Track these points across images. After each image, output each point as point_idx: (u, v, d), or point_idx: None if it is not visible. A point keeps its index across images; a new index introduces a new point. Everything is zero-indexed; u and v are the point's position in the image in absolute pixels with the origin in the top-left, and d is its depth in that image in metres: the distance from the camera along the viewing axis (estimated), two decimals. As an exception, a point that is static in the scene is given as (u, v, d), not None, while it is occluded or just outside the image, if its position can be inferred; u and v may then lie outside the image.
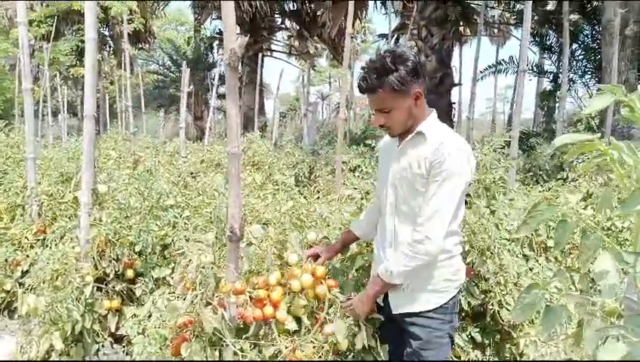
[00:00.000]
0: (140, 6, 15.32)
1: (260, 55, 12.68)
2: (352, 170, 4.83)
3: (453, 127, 10.29)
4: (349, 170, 4.87)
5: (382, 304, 1.90)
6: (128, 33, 8.52)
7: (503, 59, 12.45)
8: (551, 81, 11.74)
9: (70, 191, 3.58)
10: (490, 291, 2.52)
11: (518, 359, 2.54)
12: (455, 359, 2.43)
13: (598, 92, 0.82)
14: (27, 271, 3.09)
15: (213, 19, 16.49)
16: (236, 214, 1.77)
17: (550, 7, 11.56)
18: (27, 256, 3.25)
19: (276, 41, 18.34)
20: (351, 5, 4.05)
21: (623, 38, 7.35)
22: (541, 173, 5.37)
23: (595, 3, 10.43)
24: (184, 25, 28.66)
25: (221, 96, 16.36)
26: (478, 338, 2.52)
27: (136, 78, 11.23)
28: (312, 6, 12.35)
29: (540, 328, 2.48)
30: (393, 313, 1.86)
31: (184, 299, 1.80)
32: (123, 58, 8.44)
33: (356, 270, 2.33)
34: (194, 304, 1.76)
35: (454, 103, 10.03)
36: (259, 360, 1.83)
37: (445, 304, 1.81)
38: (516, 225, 2.85)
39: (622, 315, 0.90)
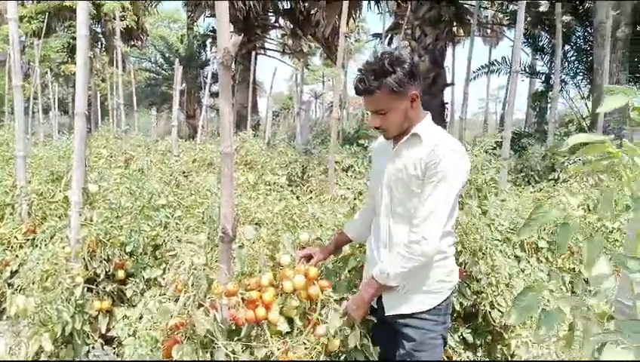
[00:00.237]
0: (132, 3, 15.21)
1: (254, 53, 12.66)
2: (345, 169, 4.83)
3: (445, 127, 10.36)
4: (342, 169, 4.88)
5: (375, 306, 1.90)
6: (121, 30, 8.46)
7: (495, 60, 12.54)
8: (543, 82, 11.84)
9: (61, 191, 3.54)
10: (482, 292, 2.53)
11: (510, 360, 2.56)
12: (447, 360, 2.44)
13: (610, 92, 0.82)
14: (16, 272, 3.05)
15: (207, 16, 16.42)
16: (228, 215, 1.76)
17: (543, 8, 11.64)
18: (16, 256, 3.20)
19: (270, 39, 18.31)
20: (345, 5, 4.04)
21: (615, 40, 7.42)
22: (533, 173, 5.40)
23: (587, 5, 10.51)
24: (177, 22, 28.51)
25: (214, 95, 16.29)
26: (470, 339, 2.53)
27: (128, 76, 11.15)
28: (306, 5, 12.33)
29: (531, 329, 2.50)
30: (387, 314, 1.86)
31: (176, 301, 1.78)
32: (115, 55, 8.38)
33: (349, 271, 2.33)
34: (186, 306, 1.74)
35: (447, 103, 10.07)
36: (251, 361, 1.82)
37: (439, 305, 1.82)
38: (507, 225, 2.88)
39: (612, 317, 0.90)
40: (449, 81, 10.10)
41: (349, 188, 3.14)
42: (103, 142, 6.63)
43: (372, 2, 12.00)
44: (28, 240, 3.31)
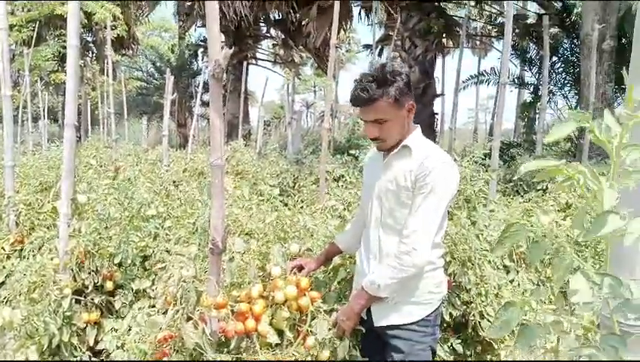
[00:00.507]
0: (123, 12, 15.21)
1: (245, 63, 12.70)
2: (336, 179, 4.85)
3: (435, 137, 10.43)
4: (333, 179, 4.89)
5: (365, 316, 1.91)
6: (112, 39, 8.45)
7: (484, 71, 12.71)
8: (531, 93, 12.00)
9: (49, 201, 3.51)
10: (472, 302, 2.54)
11: (499, 369, 2.57)
12: (437, 371, 2.44)
13: (563, 121, 0.85)
14: (3, 283, 3.01)
15: (198, 26, 16.45)
16: (219, 226, 1.76)
17: (531, 20, 11.85)
18: (3, 267, 3.16)
19: (261, 49, 18.39)
20: (335, 16, 4.08)
21: (601, 52, 7.56)
22: (522, 183, 5.45)
23: (573, 18, 10.71)
24: (168, 31, 28.51)
25: (205, 104, 16.29)
26: (460, 349, 2.53)
27: (119, 85, 11.12)
28: (297, 16, 12.41)
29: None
30: (376, 325, 1.86)
31: (165, 313, 1.77)
32: (106, 64, 8.36)
33: (338, 282, 2.33)
34: (175, 319, 1.73)
35: (437, 114, 10.16)
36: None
37: (428, 316, 1.83)
38: (496, 236, 2.90)
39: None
40: (439, 91, 10.21)
41: (337, 200, 3.15)
42: (93, 151, 6.58)
43: (362, 14, 12.14)
44: (15, 250, 3.28)
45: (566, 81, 11.40)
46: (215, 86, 1.72)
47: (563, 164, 0.82)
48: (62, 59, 14.71)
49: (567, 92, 11.45)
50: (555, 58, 11.15)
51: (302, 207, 3.63)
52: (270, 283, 2.02)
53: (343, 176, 4.69)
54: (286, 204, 3.78)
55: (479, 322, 2.50)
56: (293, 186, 5.52)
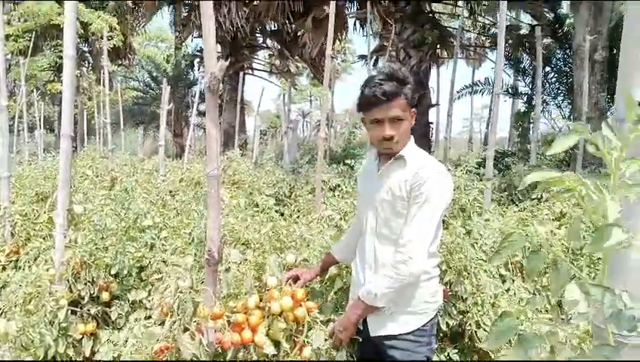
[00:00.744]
0: (120, 23, 15.27)
1: (241, 73, 12.74)
2: (332, 189, 4.86)
3: (430, 147, 10.45)
4: (329, 189, 4.90)
5: (361, 327, 1.91)
6: (108, 49, 8.47)
7: (478, 81, 12.83)
8: (525, 103, 12.10)
9: (45, 212, 3.50)
10: (468, 311, 2.54)
11: (496, 379, 2.57)
12: (433, 380, 2.44)
13: (567, 131, 0.87)
14: (-2, 294, 2.99)
15: (195, 37, 16.52)
16: (215, 237, 1.77)
17: (524, 31, 11.98)
18: (-2, 278, 3.15)
19: (257, 59, 18.48)
20: (330, 27, 4.12)
21: (593, 63, 7.65)
22: (516, 193, 5.47)
23: (565, 28, 10.85)
24: (165, 42, 28.61)
25: (201, 114, 16.30)
26: (456, 358, 2.53)
27: (115, 95, 11.13)
28: (293, 27, 12.50)
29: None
30: (372, 335, 1.86)
31: (161, 324, 1.77)
32: (102, 74, 8.38)
33: (335, 292, 2.33)
34: (171, 330, 1.73)
35: (432, 123, 10.23)
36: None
37: (424, 326, 1.83)
38: (491, 245, 2.92)
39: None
40: (434, 101, 10.29)
41: (333, 210, 3.16)
42: (89, 161, 6.57)
43: (358, 25, 12.26)
44: (11, 261, 3.26)
45: (559, 91, 11.52)
46: (211, 98, 1.73)
47: (566, 175, 0.84)
48: (58, 69, 14.74)
49: (561, 102, 11.56)
50: (548, 68, 11.28)
51: (298, 217, 3.63)
52: (266, 293, 2.02)
53: (339, 185, 4.70)
54: (282, 214, 3.78)
55: (476, 331, 2.51)
56: (290, 196, 5.53)
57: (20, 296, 2.49)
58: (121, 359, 2.07)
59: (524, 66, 11.90)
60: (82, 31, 13.87)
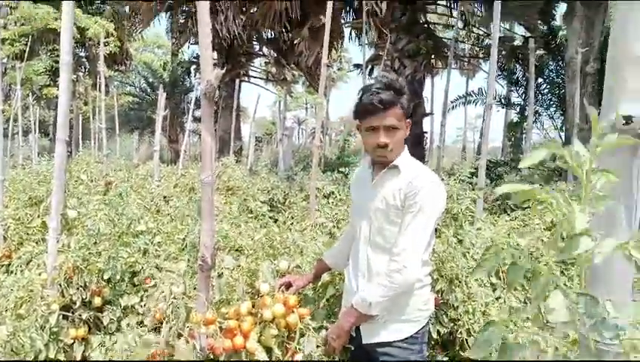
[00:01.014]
0: (117, 28, 15.29)
1: (237, 80, 12.79)
2: (326, 196, 4.88)
3: (424, 156, 10.50)
4: (323, 196, 4.92)
5: (353, 334, 1.92)
6: (104, 55, 8.48)
7: (472, 91, 12.94)
8: (518, 113, 12.21)
9: (39, 216, 3.50)
10: (459, 319, 2.57)
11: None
12: (424, 388, 2.45)
13: (537, 147, 0.91)
14: (-11, 299, 2.98)
15: (191, 44, 16.58)
16: (208, 243, 1.78)
17: (517, 42, 12.12)
18: (-10, 282, 3.14)
19: (254, 67, 18.53)
20: (326, 36, 4.17)
21: (585, 75, 7.76)
22: (508, 202, 5.51)
23: (558, 40, 10.99)
24: (161, 48, 28.65)
25: (197, 120, 16.32)
26: (447, 366, 2.55)
27: (111, 100, 11.12)
28: (290, 35, 12.58)
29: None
30: (364, 342, 1.87)
31: (153, 330, 1.78)
32: (98, 79, 8.37)
33: (327, 299, 2.34)
34: (167, 335, 1.74)
35: (426, 132, 10.30)
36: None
37: (416, 334, 1.85)
38: (482, 253, 2.94)
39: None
40: (428, 110, 10.37)
41: (327, 217, 3.18)
42: (84, 166, 6.56)
43: (353, 34, 12.36)
44: (3, 265, 3.25)
45: (552, 102, 11.64)
46: (207, 105, 1.76)
47: (536, 188, 0.87)
48: (54, 73, 14.70)
49: (553, 113, 11.68)
50: (540, 80, 11.40)
51: (292, 224, 3.65)
52: (259, 300, 2.03)
53: (333, 193, 4.73)
54: (276, 221, 3.80)
55: (466, 339, 2.53)
56: (284, 203, 5.54)
57: (12, 300, 2.48)
58: (113, 364, 2.07)
59: (517, 77, 12.02)
60: (79, 36, 13.86)
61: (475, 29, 12.19)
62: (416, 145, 8.91)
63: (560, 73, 11.13)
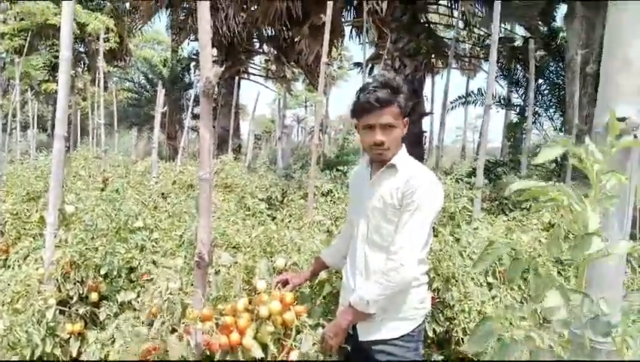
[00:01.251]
0: (117, 24, 15.26)
1: (237, 78, 12.77)
2: (325, 194, 4.88)
3: (423, 155, 10.49)
4: (321, 194, 4.92)
5: (350, 331, 1.93)
6: (104, 51, 8.46)
7: (472, 91, 12.94)
8: (517, 114, 12.21)
9: (37, 211, 3.49)
10: (455, 318, 2.58)
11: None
12: (420, 386, 2.45)
13: (551, 143, 0.91)
14: (-14, 293, 2.97)
15: (191, 40, 16.55)
16: (205, 239, 1.78)
17: (518, 43, 12.12)
18: (-13, 276, 3.13)
19: (253, 64, 18.50)
20: (326, 35, 4.16)
21: (585, 76, 7.76)
22: (507, 202, 5.52)
23: (559, 41, 10.99)
24: (161, 44, 28.60)
25: (196, 117, 16.29)
26: (443, 364, 2.56)
27: (110, 95, 11.09)
28: (290, 33, 12.56)
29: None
30: (361, 340, 1.88)
31: (149, 325, 1.78)
32: (97, 75, 8.35)
33: (323, 297, 2.35)
34: (159, 330, 1.74)
35: (425, 132, 10.31)
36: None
37: (412, 331, 1.86)
38: (479, 252, 2.95)
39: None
40: (427, 110, 10.37)
41: (325, 215, 3.18)
42: (82, 161, 6.55)
43: (354, 33, 12.35)
44: (0, 260, 3.25)
45: (551, 103, 11.63)
46: (205, 103, 1.75)
47: (550, 185, 0.87)
48: (53, 68, 14.69)
49: (553, 114, 11.68)
50: (541, 80, 11.39)
51: (290, 222, 3.65)
52: (256, 297, 2.03)
53: (331, 191, 4.73)
54: (274, 218, 3.80)
55: (462, 338, 2.54)
56: (282, 200, 5.55)
57: (9, 295, 2.48)
58: (109, 359, 2.07)
59: (518, 78, 12.02)
60: (78, 31, 13.83)
61: (475, 29, 12.19)
62: (416, 145, 8.91)
63: (560, 74, 11.12)
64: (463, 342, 2.53)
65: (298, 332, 1.91)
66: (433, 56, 10.58)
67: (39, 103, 15.90)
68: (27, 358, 2.32)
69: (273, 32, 14.36)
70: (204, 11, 1.70)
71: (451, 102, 12.53)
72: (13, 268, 2.72)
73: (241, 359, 1.85)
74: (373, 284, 1.78)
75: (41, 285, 2.51)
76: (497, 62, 10.63)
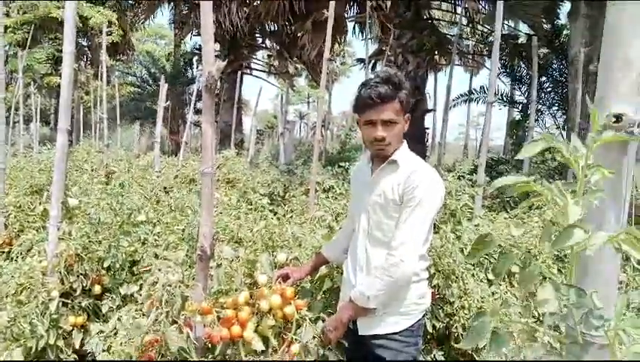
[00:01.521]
0: (120, 18, 15.26)
1: (240, 73, 12.77)
2: (326, 190, 4.90)
3: (425, 152, 10.49)
4: (323, 190, 4.94)
5: (350, 326, 1.94)
6: (107, 44, 8.47)
7: (474, 89, 12.90)
8: (520, 112, 12.18)
9: (40, 203, 3.52)
10: (455, 315, 2.59)
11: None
12: (419, 381, 2.47)
13: (534, 140, 0.92)
14: (-11, 284, 3.00)
15: (194, 35, 16.54)
16: (207, 233, 1.80)
17: (521, 40, 12.08)
18: (-10, 268, 3.16)
19: (256, 59, 18.50)
20: (329, 30, 4.16)
21: (587, 74, 7.74)
22: (508, 200, 5.53)
23: (562, 39, 10.95)
24: (164, 38, 28.59)
25: (198, 111, 16.31)
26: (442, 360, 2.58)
27: (113, 90, 11.11)
28: (293, 28, 12.55)
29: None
30: (360, 334, 1.90)
31: (149, 317, 1.80)
32: (100, 69, 8.37)
33: (324, 292, 2.37)
34: (159, 322, 1.76)
35: (428, 129, 10.30)
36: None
37: (411, 326, 1.87)
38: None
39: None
40: (430, 107, 10.36)
41: (326, 211, 3.19)
42: (84, 155, 6.58)
43: (357, 28, 12.33)
44: (3, 252, 3.28)
45: (554, 101, 11.60)
46: (208, 97, 1.77)
47: (532, 180, 0.89)
48: (56, 61, 14.71)
49: (556, 111, 11.65)
50: (544, 78, 11.36)
51: (291, 217, 3.67)
52: (257, 291, 2.05)
53: (332, 187, 4.74)
54: (275, 213, 3.81)
55: (461, 334, 2.55)
56: (284, 196, 5.56)
57: (13, 287, 2.51)
58: (111, 351, 2.09)
59: (521, 75, 11.98)
60: (81, 25, 13.84)
61: (479, 26, 12.14)
62: (418, 142, 8.91)
63: (563, 72, 11.09)
64: (462, 337, 2.55)
65: (299, 326, 1.93)
66: (436, 52, 10.56)
67: (42, 97, 15.92)
68: (32, 350, 2.35)
69: (276, 28, 14.35)
70: (206, 6, 1.70)
71: (454, 100, 12.51)
72: (16, 260, 2.74)
73: (242, 352, 1.87)
74: (373, 280, 1.79)
75: (45, 277, 2.54)
76: (500, 59, 10.62)
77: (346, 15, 11.26)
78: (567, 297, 0.81)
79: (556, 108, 11.53)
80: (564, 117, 10.91)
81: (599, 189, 0.84)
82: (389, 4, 9.21)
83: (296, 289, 2.10)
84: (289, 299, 1.97)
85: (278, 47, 15.48)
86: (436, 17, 12.22)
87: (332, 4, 3.99)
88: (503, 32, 10.64)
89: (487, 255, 3.02)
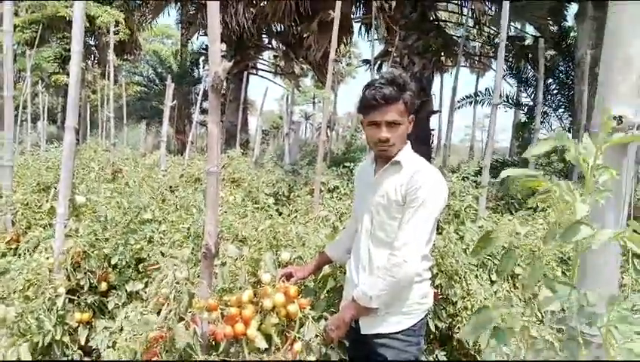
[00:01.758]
0: (127, 18, 15.35)
1: (246, 73, 12.80)
2: (331, 190, 4.91)
3: (431, 153, 10.47)
4: (328, 190, 4.95)
5: (353, 325, 1.95)
6: (114, 44, 8.52)
7: (480, 91, 12.88)
8: (526, 113, 12.14)
9: (47, 201, 3.55)
10: (457, 315, 2.60)
11: (481, 382, 2.61)
12: (421, 381, 2.48)
13: (545, 138, 0.93)
14: (-3, 280, 3.04)
15: (201, 35, 16.60)
16: (212, 231, 1.82)
17: (528, 42, 12.04)
18: (-2, 264, 3.20)
19: (262, 59, 18.53)
20: (335, 31, 4.17)
21: (594, 76, 7.70)
22: (513, 202, 5.52)
23: (569, 41, 10.90)
24: (171, 38, 28.70)
25: (204, 111, 16.35)
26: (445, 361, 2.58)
27: (120, 89, 11.18)
28: (299, 29, 12.56)
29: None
30: (362, 333, 1.91)
31: (157, 314, 1.82)
32: (107, 68, 8.42)
33: (327, 291, 2.38)
34: (167, 319, 1.78)
35: (433, 130, 10.28)
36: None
37: (413, 326, 1.88)
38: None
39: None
40: (435, 108, 10.34)
41: (330, 211, 3.21)
42: (92, 153, 6.63)
43: (363, 29, 12.33)
44: (11, 249, 3.31)
45: (560, 103, 11.56)
46: (214, 97, 1.79)
47: (541, 175, 0.90)
48: (63, 61, 14.80)
49: (562, 113, 11.61)
50: (550, 80, 11.31)
51: (296, 216, 3.69)
52: (260, 289, 2.07)
53: (337, 187, 4.76)
54: (280, 213, 3.83)
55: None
56: (289, 196, 5.58)
57: (20, 283, 2.54)
58: (116, 347, 2.12)
59: (527, 77, 11.94)
60: (89, 24, 13.93)
61: (485, 28, 12.11)
62: (423, 143, 8.89)
63: (570, 74, 11.04)
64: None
65: (301, 324, 1.94)
66: (442, 54, 10.53)
67: (49, 95, 16.04)
68: (39, 345, 2.38)
69: (282, 28, 14.37)
70: (213, 6, 1.72)
71: (459, 102, 12.49)
72: (24, 257, 2.78)
73: (245, 349, 1.89)
74: (376, 280, 1.79)
75: (52, 274, 2.57)
76: (507, 61, 10.57)
77: (352, 16, 11.27)
78: (564, 295, 0.82)
79: (562, 110, 11.48)
80: (571, 119, 10.86)
81: (607, 189, 0.84)
82: (394, 4, 9.19)
83: (299, 288, 2.12)
84: (292, 297, 1.98)
85: (284, 48, 15.50)
86: (442, 19, 12.18)
87: (338, 4, 4.00)
88: (510, 34, 10.62)
89: (490, 255, 3.02)
